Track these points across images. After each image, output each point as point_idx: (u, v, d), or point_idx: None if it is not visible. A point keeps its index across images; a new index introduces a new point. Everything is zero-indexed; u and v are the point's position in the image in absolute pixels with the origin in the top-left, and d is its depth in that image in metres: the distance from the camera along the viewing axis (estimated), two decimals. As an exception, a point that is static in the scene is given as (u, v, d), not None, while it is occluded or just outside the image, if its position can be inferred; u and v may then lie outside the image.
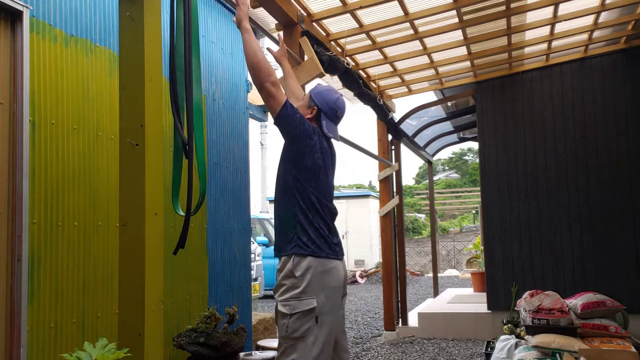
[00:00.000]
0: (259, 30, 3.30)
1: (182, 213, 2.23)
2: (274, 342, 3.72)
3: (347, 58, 4.94)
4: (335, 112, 2.57)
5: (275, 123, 2.43)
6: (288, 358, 2.26)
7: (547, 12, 4.73)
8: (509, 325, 3.91)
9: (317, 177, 2.44)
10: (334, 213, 2.58)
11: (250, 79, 2.74)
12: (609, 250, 5.58)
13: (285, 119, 2.37)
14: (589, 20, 5.01)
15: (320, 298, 2.30)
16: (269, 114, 3.38)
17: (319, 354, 2.26)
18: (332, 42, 4.70)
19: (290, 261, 2.35)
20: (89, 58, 2.92)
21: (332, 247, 2.44)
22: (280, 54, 2.94)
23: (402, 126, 6.77)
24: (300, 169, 2.41)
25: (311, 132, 2.41)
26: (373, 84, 5.99)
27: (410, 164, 42.67)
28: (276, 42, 3.51)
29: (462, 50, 5.45)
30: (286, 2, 3.50)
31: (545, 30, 5.14)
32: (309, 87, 3.34)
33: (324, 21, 4.36)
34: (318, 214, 2.44)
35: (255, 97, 5.54)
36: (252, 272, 9.17)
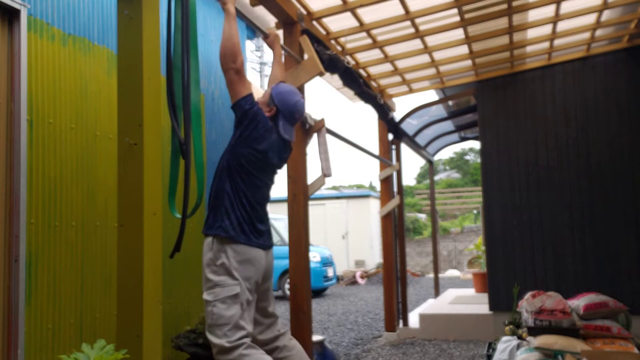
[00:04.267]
0: (258, 30, 3.28)
1: (178, 215, 2.22)
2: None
3: (348, 57, 4.92)
4: (293, 115, 2.65)
5: (231, 107, 2.54)
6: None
7: (549, 11, 4.70)
8: (511, 326, 3.89)
9: (257, 167, 2.53)
10: (265, 202, 2.69)
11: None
12: (611, 250, 5.55)
13: (240, 109, 2.48)
14: (591, 18, 4.98)
15: (241, 283, 2.41)
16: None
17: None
18: (332, 41, 4.67)
19: (212, 246, 2.45)
20: (87, 57, 2.90)
21: (256, 235, 2.52)
22: (270, 40, 3.04)
23: (403, 125, 6.74)
24: (242, 155, 2.49)
25: (262, 126, 2.50)
26: (373, 83, 5.97)
27: (411, 164, 42.78)
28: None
29: (464, 49, 5.42)
30: (286, 0, 3.48)
31: (547, 29, 5.11)
32: (308, 86, 3.32)
33: (324, 20, 4.34)
34: (248, 200, 2.52)
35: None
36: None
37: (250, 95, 2.49)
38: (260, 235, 2.55)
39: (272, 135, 2.55)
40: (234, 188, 2.49)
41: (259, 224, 2.56)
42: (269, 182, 2.69)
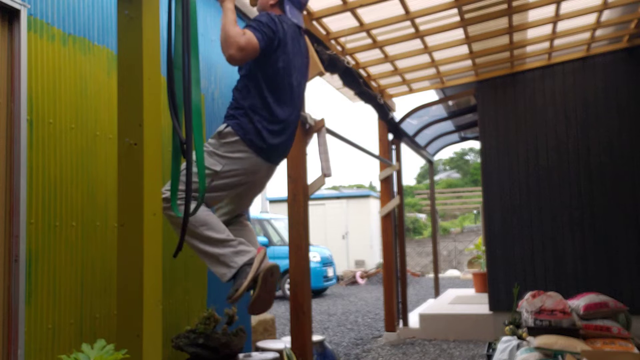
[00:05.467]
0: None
1: (180, 215, 2.21)
2: (273, 344, 3.70)
3: (348, 57, 4.92)
4: None
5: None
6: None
7: (549, 11, 4.70)
8: (511, 326, 3.89)
9: (283, 71, 2.54)
10: (290, 104, 2.64)
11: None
12: (611, 250, 5.55)
13: (264, 50, 2.46)
14: (591, 18, 4.98)
15: (226, 170, 2.43)
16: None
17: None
18: (332, 41, 4.67)
19: (224, 131, 2.47)
20: (87, 57, 2.90)
21: (268, 139, 2.51)
22: None
23: (403, 126, 6.74)
24: (267, 65, 2.50)
25: (279, 33, 2.50)
26: (373, 83, 5.97)
27: (411, 164, 42.78)
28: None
29: (464, 49, 5.42)
30: (286, 0, 3.47)
31: (547, 29, 5.11)
32: (308, 86, 3.31)
33: (324, 19, 4.34)
34: (271, 105, 2.52)
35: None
36: (253, 272, 9.10)
37: (257, 37, 2.44)
38: (276, 135, 2.55)
39: (285, 29, 2.55)
40: (258, 89, 2.50)
41: (279, 122, 2.55)
42: (294, 82, 2.66)
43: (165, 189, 2.35)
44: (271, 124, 2.53)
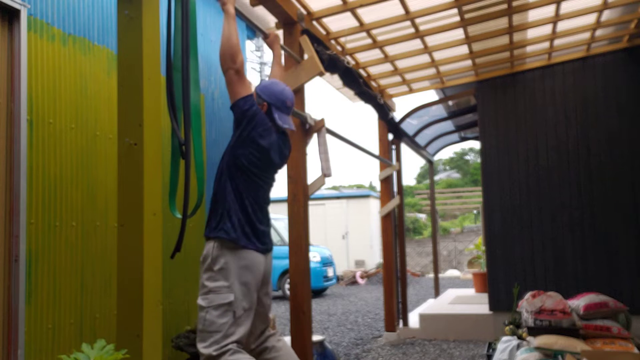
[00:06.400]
0: (258, 30, 3.28)
1: (178, 215, 2.21)
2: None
3: (348, 57, 4.91)
4: (284, 103, 2.65)
5: (230, 108, 2.53)
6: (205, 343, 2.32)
7: (549, 11, 4.70)
8: (511, 326, 3.89)
9: (258, 167, 2.53)
10: (266, 203, 2.68)
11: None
12: (611, 250, 5.55)
13: (238, 110, 2.47)
14: (591, 18, 4.98)
15: (237, 291, 2.39)
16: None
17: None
18: (332, 41, 4.67)
19: (212, 250, 2.43)
20: (87, 57, 2.90)
21: (257, 236, 2.51)
22: (270, 40, 3.05)
23: (403, 126, 6.74)
24: (242, 155, 2.48)
25: (261, 126, 2.49)
26: (373, 83, 5.97)
27: (411, 164, 42.79)
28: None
29: (464, 49, 5.42)
30: (286, 0, 3.48)
31: (547, 29, 5.11)
32: (308, 86, 3.32)
33: (324, 20, 4.33)
34: (249, 201, 2.51)
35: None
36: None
37: (250, 96, 2.49)
38: (261, 237, 2.54)
39: (271, 134, 2.55)
40: (235, 189, 2.48)
41: (260, 225, 2.55)
42: (270, 181, 2.69)
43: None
44: (250, 221, 2.51)
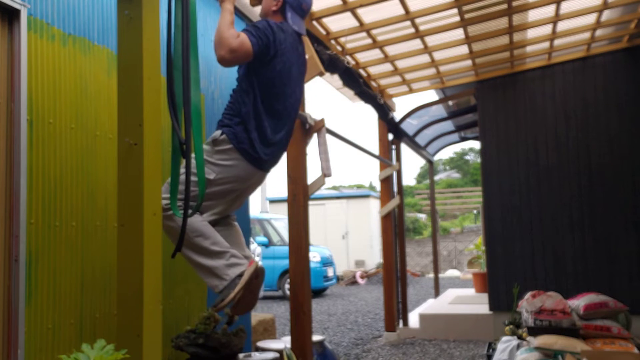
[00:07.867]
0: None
1: (179, 215, 2.21)
2: (273, 344, 3.70)
3: (348, 57, 4.92)
4: (300, 5, 2.62)
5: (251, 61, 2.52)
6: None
7: (549, 11, 4.70)
8: (511, 326, 3.89)
9: (279, 80, 2.53)
10: (283, 115, 2.64)
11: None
12: (611, 250, 5.55)
13: (260, 55, 2.46)
14: (591, 18, 4.98)
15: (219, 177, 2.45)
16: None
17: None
18: (332, 41, 4.67)
19: (219, 138, 2.47)
20: (87, 57, 2.90)
21: (264, 145, 2.53)
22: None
23: (403, 126, 6.74)
24: (263, 72, 2.50)
25: (275, 42, 2.48)
26: (373, 83, 5.97)
27: (411, 164, 42.81)
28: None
29: (464, 49, 5.42)
30: (286, 0, 3.47)
31: (547, 29, 5.11)
32: (308, 86, 3.31)
33: (324, 19, 4.34)
34: (266, 109, 2.52)
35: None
36: (253, 272, 9.10)
37: (251, 41, 2.42)
38: (269, 145, 2.55)
39: (285, 35, 2.54)
40: (254, 97, 2.50)
41: (273, 133, 2.56)
42: (288, 91, 2.65)
43: (164, 196, 2.34)
44: (265, 134, 2.54)
